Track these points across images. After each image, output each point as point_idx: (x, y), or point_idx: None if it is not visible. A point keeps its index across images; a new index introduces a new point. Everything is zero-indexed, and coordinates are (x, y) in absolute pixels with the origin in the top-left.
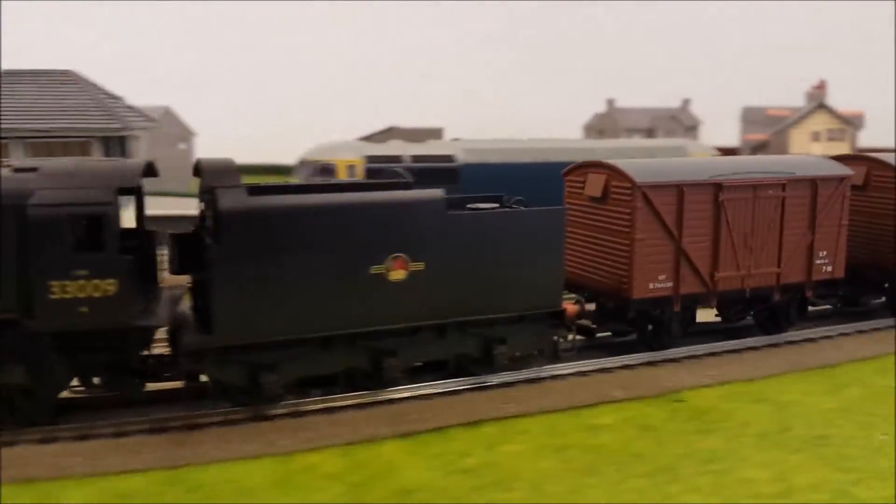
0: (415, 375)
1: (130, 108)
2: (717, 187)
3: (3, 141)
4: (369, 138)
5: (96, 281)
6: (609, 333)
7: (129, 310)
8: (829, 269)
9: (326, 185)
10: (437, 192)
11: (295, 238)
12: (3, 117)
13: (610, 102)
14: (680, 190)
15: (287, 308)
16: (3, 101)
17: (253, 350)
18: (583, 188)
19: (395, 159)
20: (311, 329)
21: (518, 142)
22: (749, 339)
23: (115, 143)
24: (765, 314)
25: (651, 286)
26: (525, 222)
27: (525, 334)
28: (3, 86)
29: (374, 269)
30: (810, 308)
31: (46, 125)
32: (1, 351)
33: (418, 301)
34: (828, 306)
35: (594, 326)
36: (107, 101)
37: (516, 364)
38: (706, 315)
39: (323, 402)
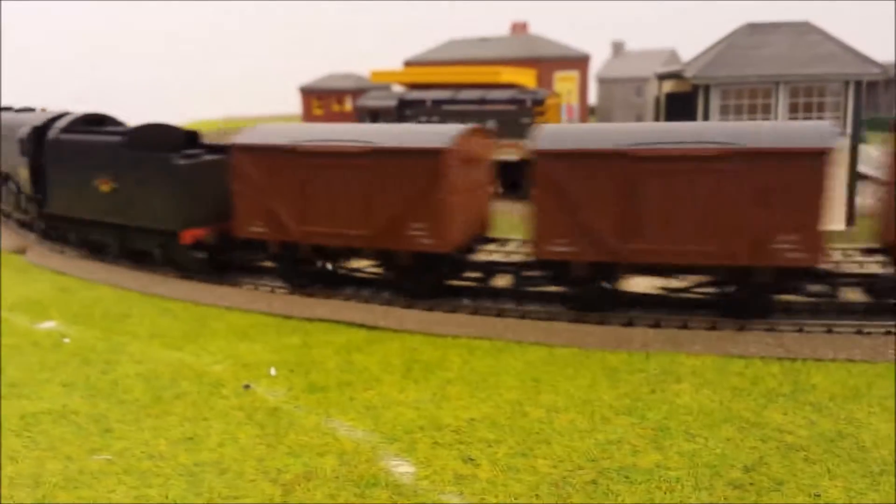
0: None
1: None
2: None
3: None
4: None
5: None
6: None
7: None
8: None
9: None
10: (116, 139)
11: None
12: (765, 66)
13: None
14: None
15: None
16: (756, 51)
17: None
18: None
19: None
20: (86, 213)
21: None
22: None
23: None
24: None
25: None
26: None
27: (174, 246)
28: (751, 37)
29: (96, 183)
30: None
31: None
32: None
33: (115, 207)
34: None
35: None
36: (850, 51)
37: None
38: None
39: None
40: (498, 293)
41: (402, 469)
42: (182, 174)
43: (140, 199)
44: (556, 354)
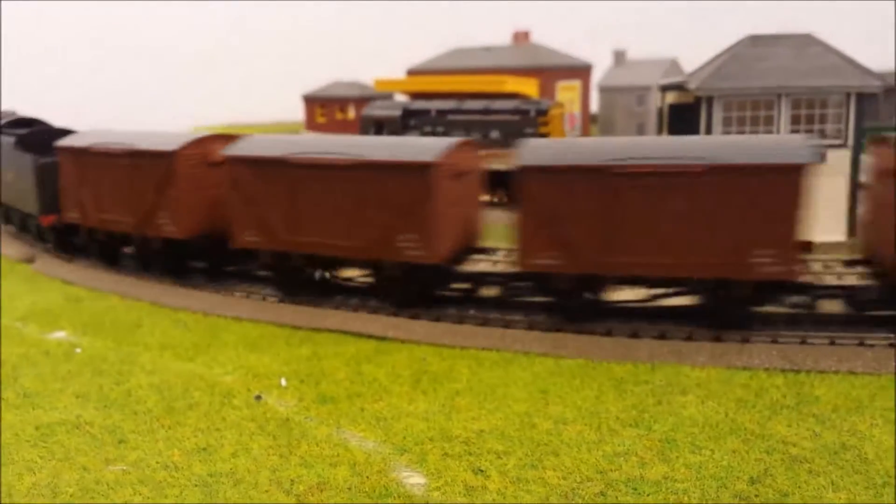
0: None
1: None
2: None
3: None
4: None
5: None
6: None
7: None
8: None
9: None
10: (12, 140)
11: None
12: (768, 77)
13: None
14: None
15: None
16: (758, 63)
17: None
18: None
19: None
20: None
21: None
22: None
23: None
24: None
25: None
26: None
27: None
28: (754, 49)
29: (6, 175)
30: None
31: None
32: None
33: (16, 195)
34: None
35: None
36: (851, 63)
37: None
38: None
39: None
40: (483, 302)
41: (414, 480)
42: (41, 172)
43: (23, 190)
44: (564, 366)
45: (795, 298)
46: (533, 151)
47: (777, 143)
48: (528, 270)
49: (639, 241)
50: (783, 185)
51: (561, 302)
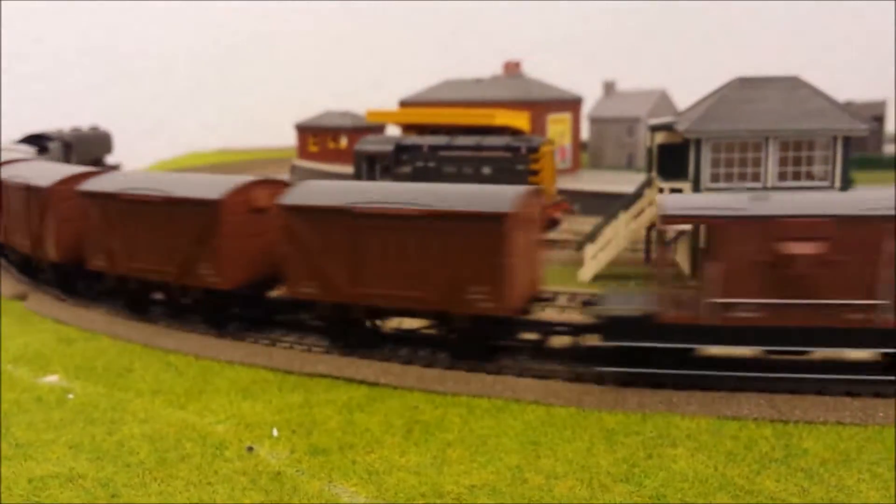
0: None
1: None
2: None
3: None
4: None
5: None
6: None
7: None
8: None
9: None
10: None
11: None
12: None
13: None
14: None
15: None
16: (747, 105)
17: None
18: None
19: None
20: None
21: None
22: None
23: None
24: None
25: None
26: None
27: None
28: (742, 91)
29: None
30: None
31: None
32: None
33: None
34: None
35: None
36: (837, 106)
37: None
38: None
39: None
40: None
41: None
42: None
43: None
44: (555, 415)
45: (528, 334)
46: (294, 193)
47: (486, 193)
48: (295, 297)
49: (376, 275)
50: (487, 230)
51: (329, 328)
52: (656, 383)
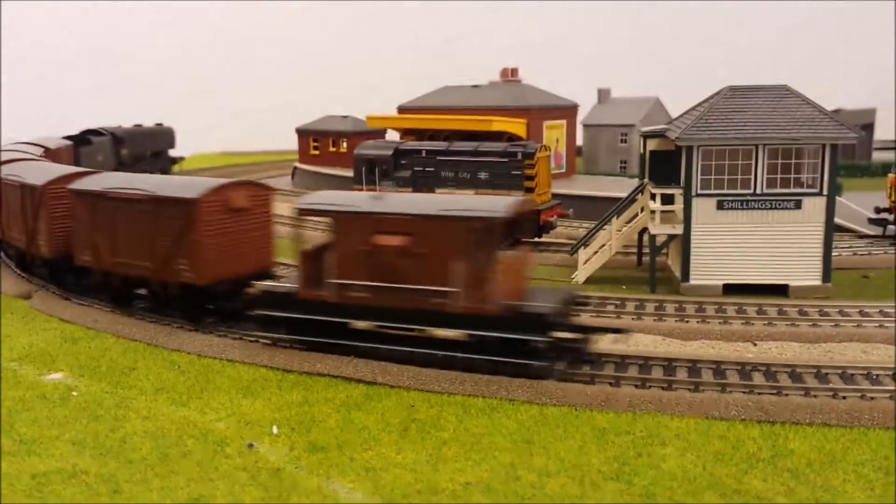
0: None
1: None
2: None
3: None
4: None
5: None
6: None
7: None
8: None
9: None
10: None
11: None
12: (746, 127)
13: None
14: None
15: None
16: (737, 114)
17: None
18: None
19: None
20: None
21: None
22: None
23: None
24: None
25: None
26: None
27: None
28: (733, 100)
29: None
30: None
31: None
32: None
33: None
34: None
35: None
36: (826, 114)
37: None
38: None
39: None
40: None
41: None
42: None
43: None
44: (547, 414)
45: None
46: (81, 181)
47: (188, 183)
48: (79, 265)
49: (124, 248)
50: (184, 213)
51: (105, 292)
52: (315, 347)
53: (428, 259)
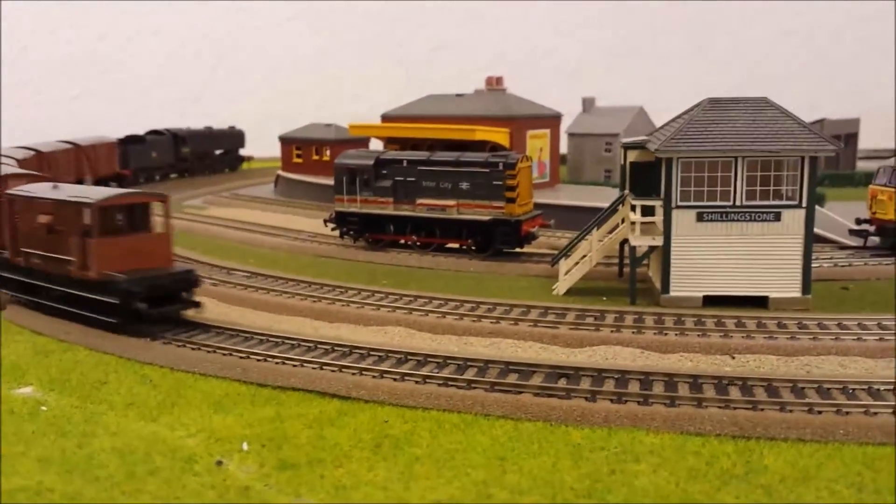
0: None
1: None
2: None
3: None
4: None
5: None
6: None
7: None
8: None
9: None
10: None
11: None
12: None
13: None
14: None
15: None
16: (717, 126)
17: None
18: None
19: None
20: None
21: None
22: None
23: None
24: None
25: None
26: None
27: None
28: (713, 112)
29: None
30: None
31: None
32: None
33: None
34: None
35: None
36: (805, 127)
37: None
38: None
39: None
40: None
41: None
42: None
43: None
44: (522, 429)
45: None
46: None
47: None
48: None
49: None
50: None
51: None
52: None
53: (62, 235)
